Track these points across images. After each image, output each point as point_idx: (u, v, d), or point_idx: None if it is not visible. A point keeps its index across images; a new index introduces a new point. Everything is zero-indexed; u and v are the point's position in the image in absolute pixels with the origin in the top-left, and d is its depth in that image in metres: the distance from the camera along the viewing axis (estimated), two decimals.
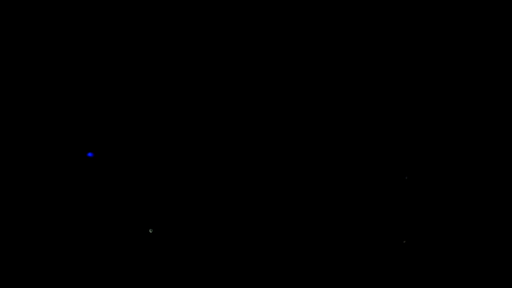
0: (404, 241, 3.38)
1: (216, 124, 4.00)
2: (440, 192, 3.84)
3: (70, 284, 3.14)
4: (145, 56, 4.13)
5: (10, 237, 3.35)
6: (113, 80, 4.08)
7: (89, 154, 3.69)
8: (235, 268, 3.21)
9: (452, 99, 3.94)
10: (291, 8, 4.10)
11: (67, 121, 3.99)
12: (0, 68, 3.93)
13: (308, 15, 4.10)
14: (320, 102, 3.80)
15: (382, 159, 3.88)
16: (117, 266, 3.16)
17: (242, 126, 3.73)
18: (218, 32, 4.15)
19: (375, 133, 3.96)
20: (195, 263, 3.20)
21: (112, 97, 4.07)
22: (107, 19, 4.09)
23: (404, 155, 3.86)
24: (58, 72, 4.02)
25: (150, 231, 3.12)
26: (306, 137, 3.67)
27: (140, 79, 4.12)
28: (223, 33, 4.15)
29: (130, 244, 3.23)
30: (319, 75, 4.10)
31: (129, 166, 3.85)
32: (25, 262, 3.22)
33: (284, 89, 3.91)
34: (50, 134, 3.92)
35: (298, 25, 4.10)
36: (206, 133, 4.03)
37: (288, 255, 3.37)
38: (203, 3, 4.14)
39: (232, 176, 3.51)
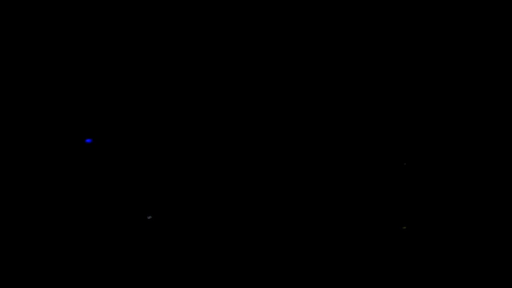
0: (404, 227, 3.38)
1: (216, 124, 4.00)
2: (440, 191, 3.85)
3: (70, 284, 3.14)
4: (145, 56, 4.13)
5: (10, 237, 3.35)
6: (113, 80, 4.09)
7: (88, 140, 3.68)
8: (235, 268, 3.21)
9: (452, 99, 3.94)
10: (291, 8, 4.10)
11: (67, 120, 4.00)
12: (0, 68, 3.93)
13: (308, 15, 4.10)
14: (320, 102, 3.81)
15: (381, 158, 3.88)
16: (117, 265, 3.16)
17: (242, 126, 3.73)
18: (218, 32, 4.16)
19: (375, 132, 3.96)
20: (194, 263, 3.20)
21: (112, 97, 4.07)
22: (107, 19, 4.09)
23: (404, 154, 3.87)
24: (58, 72, 4.03)
25: (149, 218, 3.10)
26: (306, 137, 3.67)
27: (140, 79, 4.12)
28: (223, 33, 4.16)
29: (130, 243, 3.23)
30: (319, 75, 4.10)
31: (129, 165, 3.85)
32: (25, 262, 3.22)
33: (284, 89, 3.91)
34: (49, 133, 3.92)
35: (298, 25, 4.11)
36: (206, 133, 4.04)
37: (288, 255, 3.37)
38: (203, 3, 4.14)
39: (232, 176, 3.51)
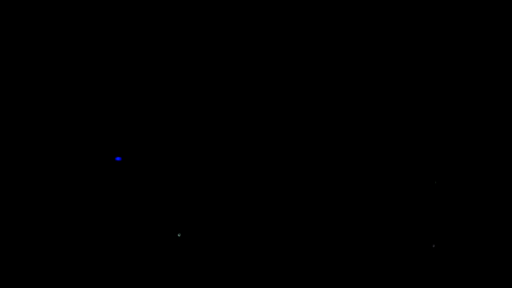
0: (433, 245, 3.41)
1: (217, 124, 4.00)
2: (441, 192, 3.85)
3: (70, 284, 3.14)
4: (145, 56, 4.13)
5: (10, 237, 3.35)
6: (115, 80, 4.09)
7: (117, 158, 3.68)
8: (236, 268, 3.21)
9: (452, 99, 3.95)
10: (291, 8, 4.10)
11: (69, 122, 4.00)
12: (0, 68, 3.93)
13: (308, 15, 4.10)
14: (320, 103, 3.81)
15: (382, 160, 3.88)
16: (119, 266, 3.16)
17: (242, 127, 3.73)
18: (218, 32, 4.16)
19: (376, 133, 3.96)
20: (196, 263, 3.20)
21: (113, 97, 4.08)
22: (107, 19, 4.09)
23: (406, 155, 3.87)
24: (59, 73, 4.03)
25: (179, 235, 3.13)
26: (306, 138, 3.67)
27: (141, 79, 4.12)
28: (223, 33, 4.16)
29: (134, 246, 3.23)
30: (319, 75, 4.10)
31: (132, 167, 3.86)
32: (25, 262, 3.22)
33: (284, 90, 3.92)
34: (51, 135, 3.92)
35: (298, 25, 4.11)
36: (207, 133, 4.03)
37: (289, 256, 3.37)
38: (203, 3, 4.14)
39: (233, 177, 3.51)
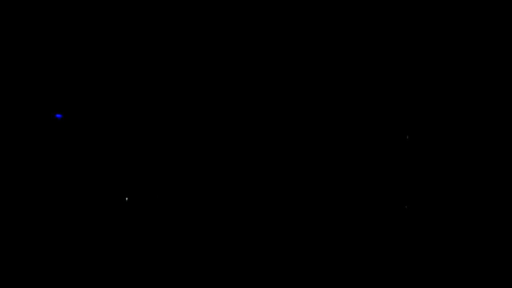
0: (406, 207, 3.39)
1: (216, 124, 4.01)
2: (440, 192, 3.85)
3: (70, 284, 3.14)
4: (145, 56, 4.13)
5: (10, 237, 3.35)
6: (114, 80, 4.09)
7: (58, 116, 3.65)
8: (235, 267, 3.21)
9: (452, 99, 3.95)
10: (291, 8, 4.10)
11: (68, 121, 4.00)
12: (0, 68, 3.93)
13: (308, 15, 4.11)
14: (320, 102, 3.81)
15: (382, 159, 3.88)
16: (117, 265, 3.17)
17: (242, 126, 3.73)
18: (218, 32, 4.16)
19: (376, 133, 3.97)
20: (194, 262, 3.20)
21: (113, 97, 4.08)
22: (107, 19, 4.09)
23: (405, 154, 3.86)
24: (58, 72, 4.03)
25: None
26: (307, 137, 3.67)
27: (140, 79, 4.12)
28: (223, 33, 4.16)
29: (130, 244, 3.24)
30: (319, 75, 4.10)
31: (130, 166, 3.86)
32: (25, 262, 3.22)
33: (284, 89, 3.92)
34: (50, 133, 3.92)
35: (298, 25, 4.11)
36: (206, 133, 4.04)
37: (288, 255, 3.37)
38: (203, 3, 4.14)
39: (233, 176, 3.51)
